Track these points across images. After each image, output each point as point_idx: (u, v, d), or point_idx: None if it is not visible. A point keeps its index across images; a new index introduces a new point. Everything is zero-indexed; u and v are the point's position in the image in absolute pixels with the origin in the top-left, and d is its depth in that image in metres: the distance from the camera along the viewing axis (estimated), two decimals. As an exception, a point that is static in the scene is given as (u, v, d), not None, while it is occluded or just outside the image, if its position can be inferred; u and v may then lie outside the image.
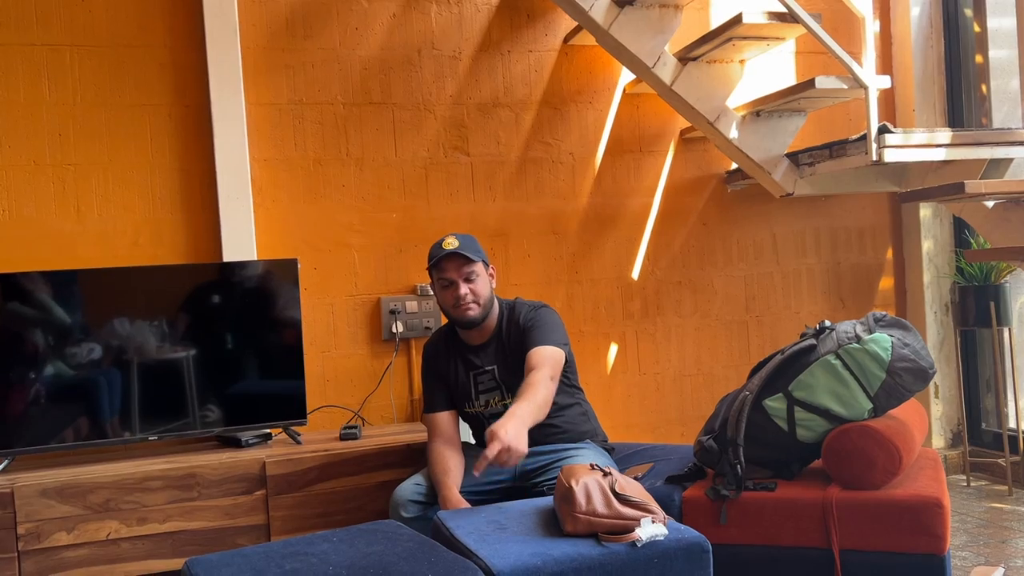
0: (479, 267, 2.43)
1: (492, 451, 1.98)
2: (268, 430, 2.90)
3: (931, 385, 3.72)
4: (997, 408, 3.61)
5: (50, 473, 2.54)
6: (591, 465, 1.97)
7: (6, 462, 2.62)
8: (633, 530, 1.81)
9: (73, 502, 2.46)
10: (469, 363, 2.50)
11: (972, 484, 3.53)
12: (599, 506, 1.83)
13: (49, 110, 2.91)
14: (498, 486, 2.40)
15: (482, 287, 2.43)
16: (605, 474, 1.92)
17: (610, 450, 2.58)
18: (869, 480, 2.11)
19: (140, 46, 2.98)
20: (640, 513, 1.84)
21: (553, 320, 2.47)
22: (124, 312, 2.73)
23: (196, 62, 3.00)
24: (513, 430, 2.03)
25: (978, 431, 3.76)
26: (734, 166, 3.52)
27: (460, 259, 2.40)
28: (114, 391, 2.72)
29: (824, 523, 2.08)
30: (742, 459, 2.21)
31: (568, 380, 2.49)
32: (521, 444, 2.03)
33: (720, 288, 3.61)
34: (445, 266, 2.41)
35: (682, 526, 1.90)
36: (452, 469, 2.33)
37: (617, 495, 1.85)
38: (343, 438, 2.83)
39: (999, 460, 3.52)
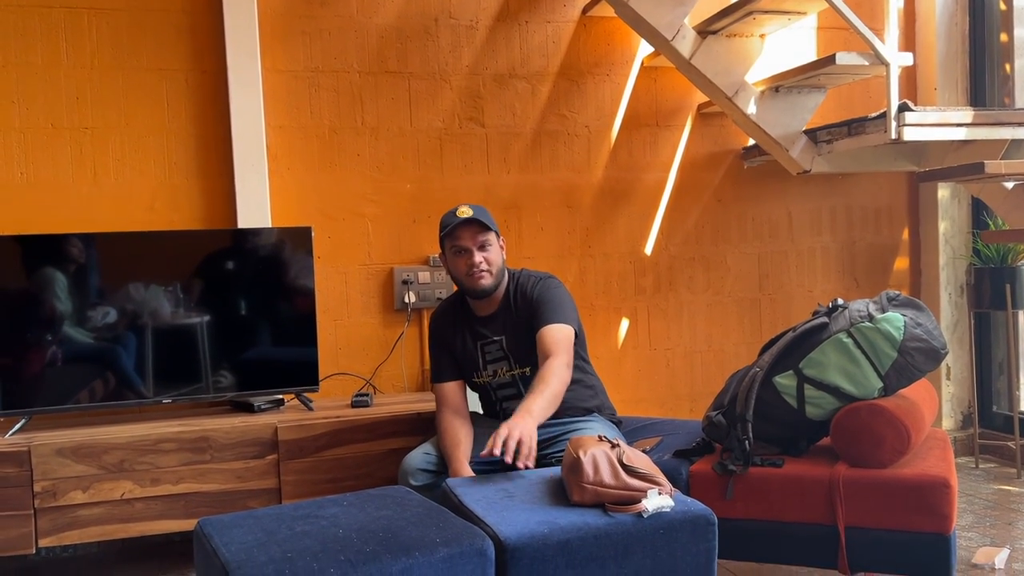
0: (493, 236, 2.44)
1: (498, 441, 2.01)
2: (280, 396, 2.93)
3: (943, 366, 3.71)
4: (1009, 391, 3.60)
5: (66, 433, 2.58)
6: (599, 437, 1.98)
7: (23, 421, 2.66)
8: (639, 501, 1.82)
9: (88, 462, 2.50)
10: (476, 333, 2.50)
11: (981, 466, 3.53)
12: (606, 477, 1.84)
13: (67, 73, 2.91)
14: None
15: (495, 256, 2.43)
16: (613, 446, 1.93)
17: (618, 423, 2.59)
18: (877, 458, 2.12)
19: (158, 10, 2.98)
20: (647, 485, 1.85)
21: (562, 294, 2.47)
22: (139, 276, 2.75)
23: (213, 27, 3.00)
24: (524, 426, 2.06)
25: (989, 413, 3.75)
26: (751, 142, 3.49)
27: (475, 227, 2.40)
28: (129, 354, 2.75)
29: (830, 500, 2.09)
30: (750, 435, 2.21)
31: (577, 354, 2.48)
32: (531, 438, 2.05)
33: (733, 265, 3.60)
34: (460, 233, 2.40)
35: (688, 499, 1.91)
36: (462, 441, 2.35)
37: (624, 467, 1.87)
38: (354, 405, 2.85)
39: (1009, 443, 3.51)
